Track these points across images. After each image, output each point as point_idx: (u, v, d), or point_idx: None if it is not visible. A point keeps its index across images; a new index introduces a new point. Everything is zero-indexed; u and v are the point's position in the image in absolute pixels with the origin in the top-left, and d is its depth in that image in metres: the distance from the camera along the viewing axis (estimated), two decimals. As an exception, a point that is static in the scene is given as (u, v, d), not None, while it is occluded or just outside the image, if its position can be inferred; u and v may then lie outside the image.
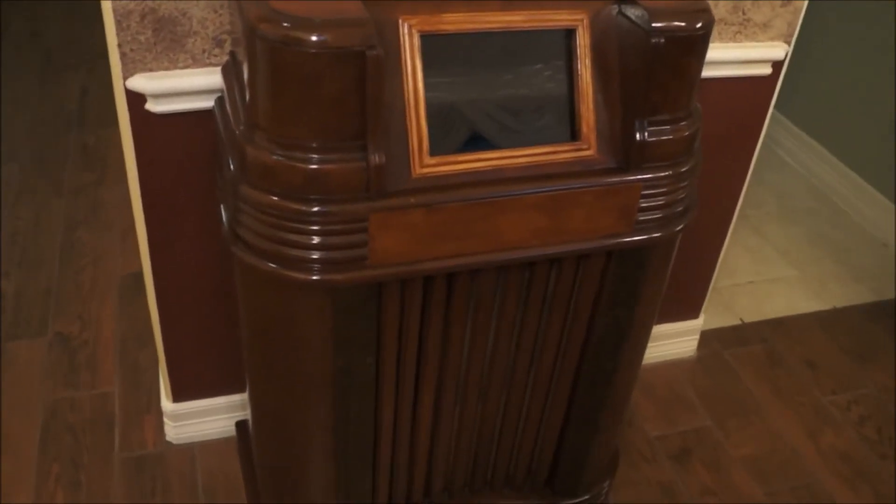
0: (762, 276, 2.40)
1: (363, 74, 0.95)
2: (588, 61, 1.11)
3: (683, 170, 1.17)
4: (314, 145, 0.99)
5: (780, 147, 2.95)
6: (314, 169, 0.99)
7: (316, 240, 1.04)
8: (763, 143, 1.77)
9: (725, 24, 1.54)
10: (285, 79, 0.96)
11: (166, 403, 1.70)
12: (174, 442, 1.75)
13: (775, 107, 1.73)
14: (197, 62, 1.27)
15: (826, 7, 2.64)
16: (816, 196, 2.79)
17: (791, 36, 1.60)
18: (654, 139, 1.11)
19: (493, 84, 1.09)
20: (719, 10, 1.51)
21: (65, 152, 2.66)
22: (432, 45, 1.04)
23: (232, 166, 1.08)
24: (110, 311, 2.07)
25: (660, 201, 1.17)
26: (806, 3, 1.57)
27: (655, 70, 1.07)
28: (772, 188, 2.77)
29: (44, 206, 2.41)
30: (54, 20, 3.50)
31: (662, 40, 1.05)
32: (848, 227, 2.66)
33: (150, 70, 1.26)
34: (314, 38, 0.93)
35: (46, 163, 2.60)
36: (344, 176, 1.00)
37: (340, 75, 0.95)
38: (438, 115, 1.06)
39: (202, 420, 1.72)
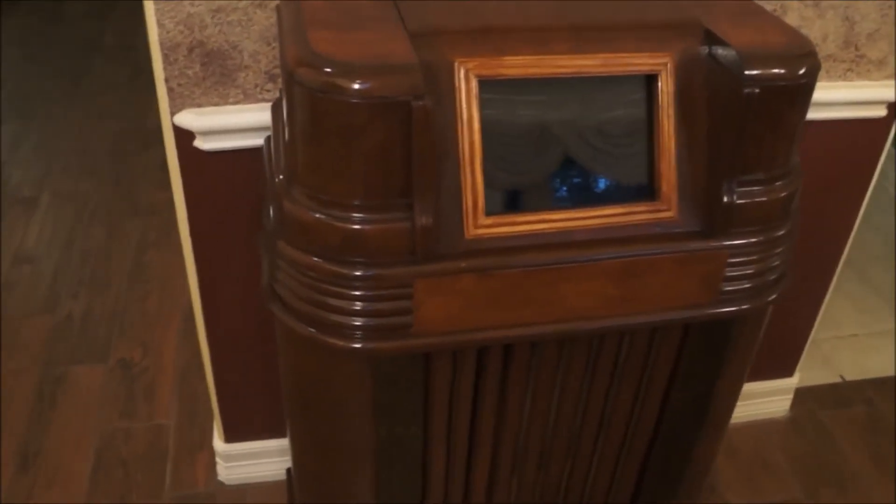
0: (866, 329, 2.19)
1: (408, 127, 0.84)
2: (671, 111, 0.97)
3: (778, 235, 1.03)
4: (355, 203, 0.89)
5: (887, 179, 2.71)
6: (355, 229, 0.89)
7: (357, 305, 0.94)
8: (873, 181, 1.59)
9: (835, 60, 1.38)
10: (324, 129, 0.86)
11: (218, 443, 1.64)
12: (226, 483, 1.68)
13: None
14: (249, 97, 1.20)
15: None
16: (931, 238, 2.55)
17: (911, 73, 1.43)
18: (744, 201, 0.97)
19: (560, 135, 0.97)
20: (828, 45, 1.35)
21: (143, 170, 2.65)
22: (492, 90, 0.93)
23: (271, 216, 1.00)
24: (173, 338, 2.02)
25: (749, 270, 1.03)
26: (928, 38, 1.39)
27: (748, 123, 0.93)
28: (879, 228, 2.54)
29: (118, 226, 2.40)
30: (144, 33, 3.53)
31: (757, 90, 0.91)
32: (966, 274, 2.42)
33: (199, 105, 1.18)
34: (356, 87, 0.83)
35: (124, 180, 2.60)
36: (386, 238, 0.90)
37: (384, 127, 0.84)
38: (497, 170, 0.94)
39: (254, 462, 1.65)
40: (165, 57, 1.13)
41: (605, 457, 1.25)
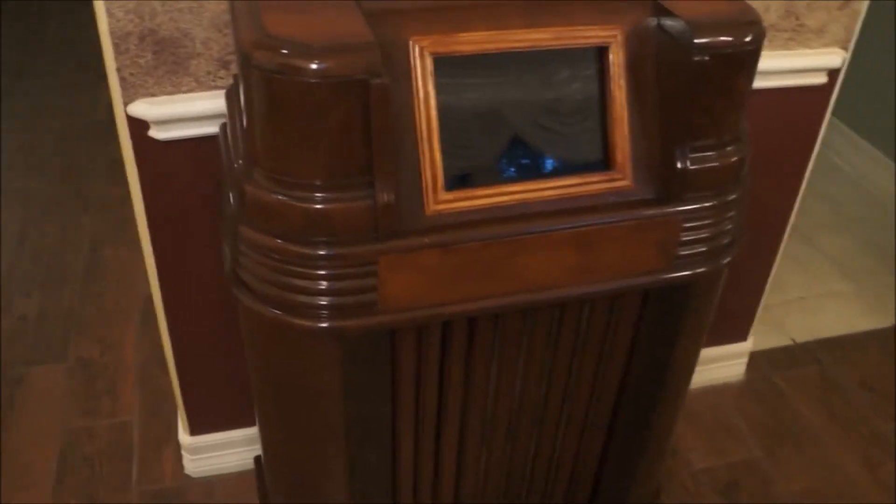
0: (814, 291, 2.25)
1: (367, 105, 0.85)
2: (622, 82, 1.00)
3: (730, 199, 1.06)
4: (316, 183, 0.90)
5: (832, 151, 2.79)
6: (317, 209, 0.90)
7: (322, 284, 0.95)
8: (815, 149, 1.64)
9: (776, 30, 1.41)
10: (282, 110, 0.87)
11: (184, 436, 1.63)
12: (193, 475, 1.68)
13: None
14: (202, 85, 1.19)
15: (885, 7, 2.48)
16: (871, 203, 2.63)
17: (848, 41, 1.47)
18: (696, 167, 1.00)
19: (515, 109, 0.99)
20: (770, 15, 1.38)
21: (92, 165, 2.61)
22: (447, 66, 0.94)
23: (232, 202, 1.00)
24: (132, 334, 2.00)
25: (703, 234, 1.06)
26: (865, 6, 1.44)
27: (698, 91, 0.96)
28: (823, 195, 2.61)
29: (70, 222, 2.36)
30: (88, 27, 3.47)
31: (706, 58, 0.94)
32: (907, 236, 2.50)
33: (153, 95, 1.18)
34: (314, 67, 0.83)
35: (74, 177, 2.55)
36: (349, 216, 0.91)
37: (343, 107, 0.85)
38: (454, 145, 0.96)
39: (221, 453, 1.65)
40: (116, 46, 1.12)
41: (570, 426, 1.28)
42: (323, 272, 0.94)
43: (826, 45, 1.46)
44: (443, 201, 0.95)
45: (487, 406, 1.19)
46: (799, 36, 1.44)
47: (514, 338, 1.10)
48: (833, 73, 1.50)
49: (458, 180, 0.97)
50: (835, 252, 2.41)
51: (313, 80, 0.84)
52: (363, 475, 1.16)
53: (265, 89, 0.87)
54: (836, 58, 1.47)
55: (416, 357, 1.06)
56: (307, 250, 0.93)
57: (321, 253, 0.93)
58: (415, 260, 0.95)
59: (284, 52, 0.84)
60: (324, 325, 0.97)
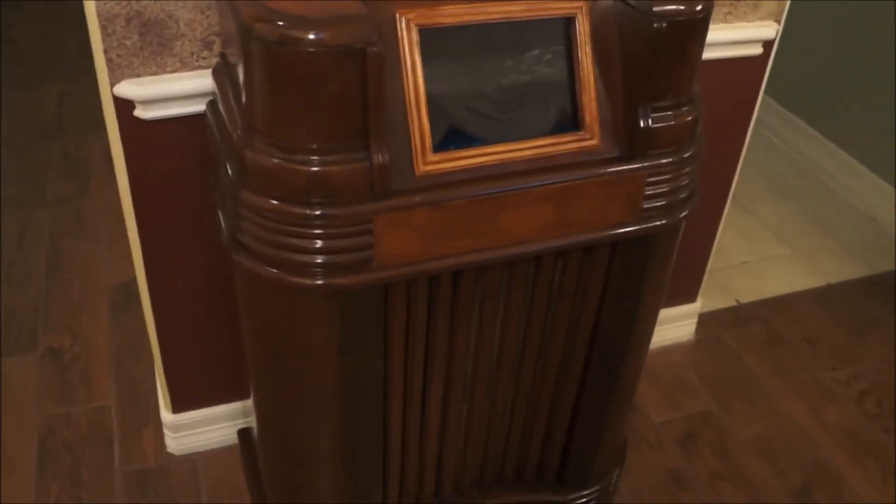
0: (755, 256, 2.39)
1: (364, 73, 0.92)
2: (588, 49, 1.09)
3: (687, 155, 1.16)
4: (315, 147, 0.97)
5: (764, 126, 2.95)
6: (316, 171, 0.97)
7: (319, 244, 1.01)
8: (750, 122, 1.76)
9: (716, 4, 1.52)
10: (283, 80, 0.93)
11: (166, 414, 1.67)
12: (175, 453, 1.72)
13: (759, 86, 1.72)
14: (186, 66, 1.24)
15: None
16: (803, 173, 2.79)
17: (781, 14, 1.59)
18: (658, 125, 1.10)
19: (493, 76, 1.07)
20: (710, -9, 1.49)
21: (46, 162, 2.61)
22: (430, 38, 1.01)
23: (230, 171, 1.05)
24: (102, 322, 2.03)
25: (664, 188, 1.15)
26: (796, -20, 1.56)
27: (658, 55, 1.05)
28: (758, 167, 2.76)
29: (28, 218, 2.36)
30: (27, 26, 3.44)
31: (665, 25, 1.03)
32: (836, 202, 2.66)
33: (138, 75, 1.22)
34: (312, 37, 0.90)
35: (28, 173, 2.55)
36: (347, 177, 0.98)
37: (340, 74, 0.92)
38: (439, 111, 1.03)
39: (203, 430, 1.70)
40: (104, 28, 1.16)
41: (545, 378, 1.36)
42: (322, 231, 1.00)
43: (761, 18, 1.58)
44: (431, 162, 1.03)
45: (469, 361, 1.27)
46: (736, 10, 1.55)
47: (495, 292, 1.18)
48: (768, 44, 1.62)
49: (444, 143, 1.04)
50: (772, 220, 2.55)
51: (311, 50, 0.91)
52: (356, 430, 1.23)
53: (266, 60, 0.93)
54: (770, 30, 1.59)
55: (405, 311, 1.13)
56: (306, 210, 0.99)
57: (319, 213, 0.99)
58: (407, 218, 1.02)
59: (283, 23, 0.91)
60: (323, 282, 1.03)
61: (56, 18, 3.50)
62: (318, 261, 1.03)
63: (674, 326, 2.03)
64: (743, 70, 1.64)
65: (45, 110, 2.85)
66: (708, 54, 1.55)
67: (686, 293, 2.00)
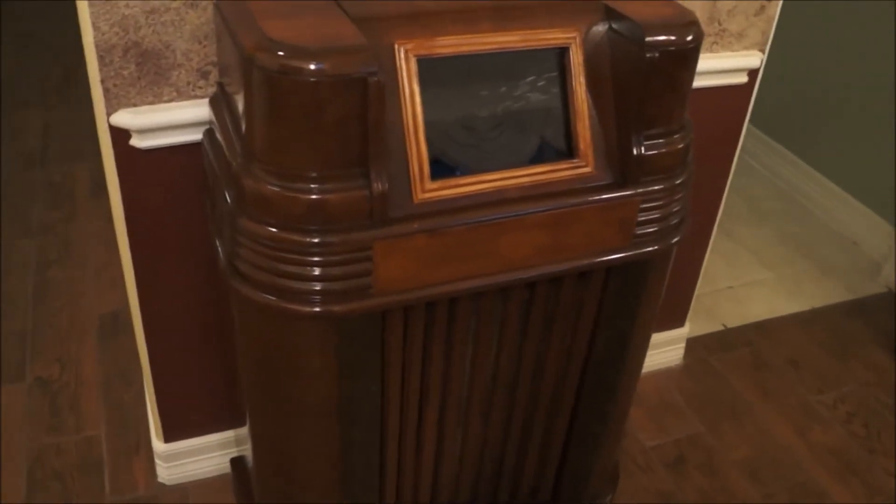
0: (740, 281, 2.42)
1: (364, 101, 0.94)
2: (582, 79, 1.11)
3: (678, 182, 1.18)
4: (314, 175, 0.98)
5: (746, 151, 2.99)
6: (315, 199, 0.98)
7: (318, 271, 1.02)
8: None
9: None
10: (283, 109, 0.94)
11: (157, 444, 1.66)
12: (167, 483, 1.70)
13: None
14: (182, 95, 1.25)
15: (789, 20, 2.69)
16: (784, 197, 2.83)
17: (765, 44, 1.63)
18: (650, 153, 1.12)
19: (489, 105, 1.09)
20: (696, 21, 1.52)
21: (30, 191, 2.60)
22: (427, 67, 1.03)
23: (228, 199, 1.06)
24: (90, 351, 2.02)
25: (656, 215, 1.17)
26: (778, 12, 1.59)
27: (650, 84, 1.08)
28: (739, 192, 2.80)
29: (13, 248, 2.35)
30: (8, 54, 3.44)
31: (657, 54, 1.05)
32: (817, 227, 2.70)
33: (135, 105, 1.23)
34: (313, 67, 0.92)
35: (12, 203, 2.54)
36: (346, 205, 0.99)
37: (340, 103, 0.93)
38: (437, 138, 1.05)
39: (195, 459, 1.69)
40: (101, 59, 1.17)
41: (539, 402, 1.37)
42: (320, 258, 1.01)
43: (746, 47, 1.61)
44: (429, 190, 1.04)
45: (464, 386, 1.28)
46: (722, 39, 1.59)
47: (490, 317, 1.19)
48: (753, 73, 1.65)
49: (442, 170, 1.06)
50: (754, 244, 2.59)
51: (312, 79, 0.92)
52: (352, 455, 1.23)
53: (266, 89, 0.94)
54: (755, 59, 1.62)
55: (402, 336, 1.14)
56: (305, 238, 1.00)
57: (319, 240, 1.00)
58: (406, 244, 1.03)
59: (285, 53, 0.92)
60: (321, 309, 1.04)
61: (38, 46, 3.50)
62: (316, 288, 1.03)
63: (663, 351, 2.05)
64: (729, 98, 1.67)
65: (29, 139, 2.85)
66: (695, 83, 1.58)
67: (675, 318, 2.02)
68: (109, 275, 2.25)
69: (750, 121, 2.94)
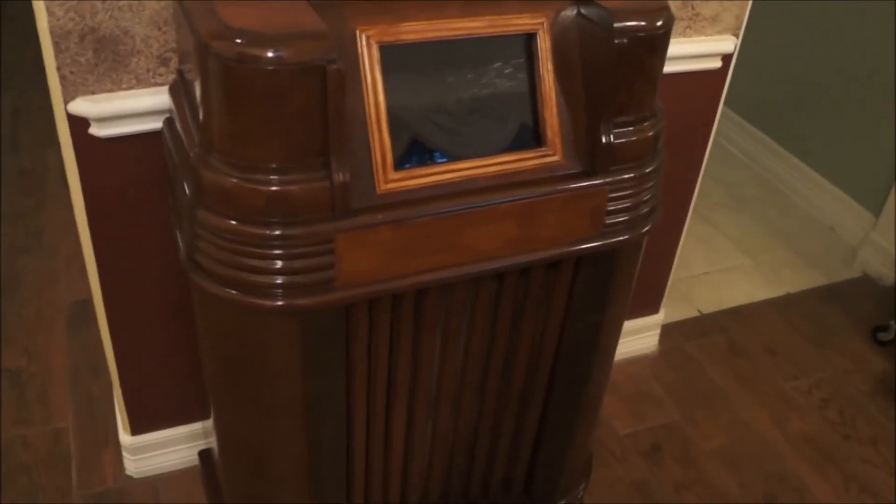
0: (716, 267, 2.42)
1: (324, 90, 0.91)
2: (550, 65, 1.09)
3: (649, 170, 1.16)
4: (274, 166, 0.95)
5: (723, 136, 2.98)
6: (276, 191, 0.95)
7: (279, 264, 0.99)
8: (709, 134, 1.78)
9: (676, 19, 1.53)
10: (241, 98, 0.91)
11: (124, 437, 1.64)
12: (135, 476, 1.68)
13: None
14: (141, 82, 1.22)
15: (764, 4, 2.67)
16: (761, 183, 2.83)
17: (739, 29, 1.61)
18: (620, 141, 1.10)
19: (455, 92, 1.06)
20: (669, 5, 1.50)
21: (1, 177, 2.55)
22: (391, 53, 1.00)
23: (187, 190, 1.03)
24: (59, 341, 1.98)
25: (626, 203, 1.16)
26: (753, -5, 1.58)
27: (619, 70, 1.05)
28: (717, 178, 2.79)
29: (-19, 235, 2.31)
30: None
31: (626, 40, 1.03)
32: (794, 212, 2.70)
33: (93, 93, 1.20)
34: (270, 55, 0.89)
35: (-20, 190, 2.50)
36: (307, 196, 0.96)
37: (300, 92, 0.91)
38: (401, 127, 1.02)
39: (163, 451, 1.66)
40: (56, 45, 1.14)
41: (510, 394, 1.36)
42: (282, 251, 0.99)
43: (719, 31, 1.59)
44: (392, 180, 1.01)
45: (433, 378, 1.26)
46: (695, 24, 1.57)
47: (459, 308, 1.17)
48: (727, 58, 1.63)
49: (406, 159, 1.03)
50: (731, 230, 2.58)
51: (270, 68, 0.89)
52: (319, 450, 1.21)
53: (223, 78, 0.91)
54: (728, 44, 1.60)
55: (367, 330, 1.12)
56: (266, 231, 0.97)
57: (280, 233, 0.98)
58: (369, 237, 1.01)
59: (242, 41, 0.89)
60: (283, 303, 1.02)
61: (9, 31, 3.43)
62: (278, 281, 1.01)
63: (637, 338, 2.04)
64: (702, 83, 1.66)
65: (-1, 124, 2.80)
66: (667, 68, 1.56)
67: (649, 305, 2.01)
68: (80, 263, 2.18)
69: (728, 106, 2.94)
